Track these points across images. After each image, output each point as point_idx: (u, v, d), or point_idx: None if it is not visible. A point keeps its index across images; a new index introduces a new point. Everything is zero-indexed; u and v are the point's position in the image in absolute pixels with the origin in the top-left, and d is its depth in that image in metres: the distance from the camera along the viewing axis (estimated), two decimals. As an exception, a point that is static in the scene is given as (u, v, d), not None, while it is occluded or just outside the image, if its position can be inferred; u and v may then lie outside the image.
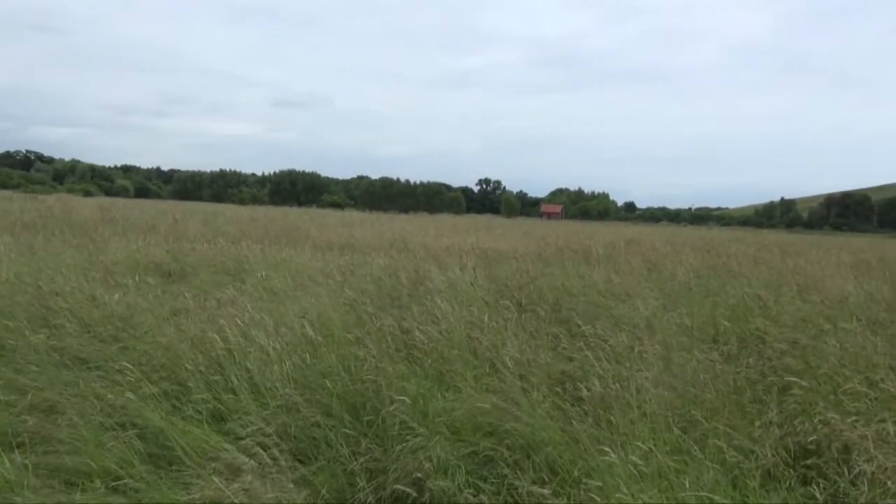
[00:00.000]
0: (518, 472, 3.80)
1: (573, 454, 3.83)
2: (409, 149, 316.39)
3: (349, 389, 4.71)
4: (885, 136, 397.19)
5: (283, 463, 3.83)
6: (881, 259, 17.29)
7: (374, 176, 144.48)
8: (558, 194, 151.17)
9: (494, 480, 3.81)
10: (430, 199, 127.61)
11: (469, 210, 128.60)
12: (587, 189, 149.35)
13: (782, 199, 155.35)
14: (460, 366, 5.09)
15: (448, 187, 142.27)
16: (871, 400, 4.56)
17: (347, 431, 4.30)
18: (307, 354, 5.12)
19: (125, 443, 4.00)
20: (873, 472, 3.41)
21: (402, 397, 4.29)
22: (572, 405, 4.51)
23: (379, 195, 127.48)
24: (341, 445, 4.17)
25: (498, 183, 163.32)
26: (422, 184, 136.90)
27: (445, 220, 47.94)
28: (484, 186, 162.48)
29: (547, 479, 3.69)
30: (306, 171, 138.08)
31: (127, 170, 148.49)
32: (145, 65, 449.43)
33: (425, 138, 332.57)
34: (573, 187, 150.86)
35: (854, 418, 4.07)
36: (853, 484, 3.46)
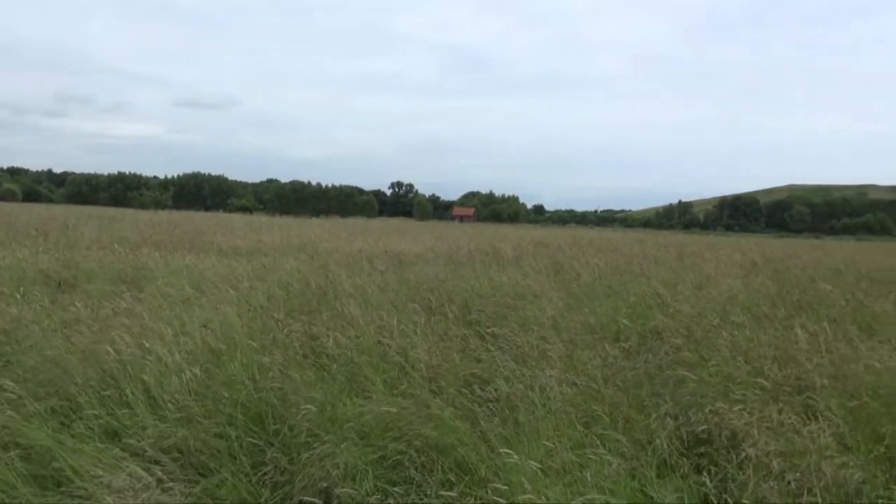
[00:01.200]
0: (427, 474, 3.82)
1: (481, 454, 3.88)
2: (320, 151, 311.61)
3: (253, 399, 4.57)
4: (772, 143, 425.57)
5: (182, 477, 3.68)
6: (767, 258, 18.51)
7: (285, 179, 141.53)
8: (470, 197, 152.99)
9: (403, 484, 3.80)
10: (343, 202, 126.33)
11: (382, 213, 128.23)
12: (498, 192, 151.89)
13: (680, 201, 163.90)
14: (370, 370, 5.05)
15: (361, 191, 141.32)
16: (756, 389, 4.86)
17: (252, 441, 4.17)
18: (209, 364, 4.93)
19: (7, 464, 3.72)
20: (757, 456, 3.63)
21: (308, 406, 4.21)
22: (481, 406, 4.56)
23: (289, 199, 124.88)
24: (245, 456, 4.05)
25: (411, 186, 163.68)
26: (334, 187, 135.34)
27: (358, 223, 47.56)
28: (397, 190, 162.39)
29: (455, 481, 3.72)
30: (213, 173, 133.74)
31: (15, 172, 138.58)
32: (39, 62, 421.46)
33: (338, 141, 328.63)
34: (485, 190, 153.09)
35: (741, 407, 4.33)
36: (740, 468, 3.67)
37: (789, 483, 3.45)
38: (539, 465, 3.52)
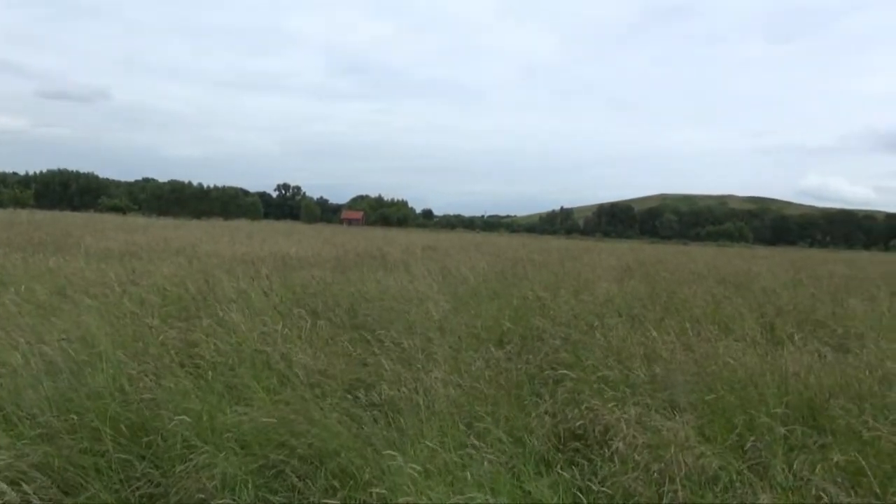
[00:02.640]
0: (310, 481, 3.77)
1: (365, 459, 3.87)
2: (202, 150, 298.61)
3: (123, 411, 4.32)
4: (645, 153, 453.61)
5: (46, 497, 3.42)
6: (640, 262, 19.65)
7: (163, 178, 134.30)
8: (359, 201, 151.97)
9: (285, 492, 3.73)
10: (226, 204, 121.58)
11: (267, 216, 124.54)
12: (387, 196, 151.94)
13: (562, 208, 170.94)
14: (251, 378, 4.91)
15: (245, 192, 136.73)
16: (627, 386, 5.17)
17: (121, 456, 3.94)
18: (71, 376, 4.61)
19: None
20: (626, 449, 3.86)
21: (183, 416, 4.03)
22: (365, 410, 4.55)
23: (168, 199, 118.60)
24: (114, 472, 3.82)
25: (298, 188, 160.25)
26: (216, 188, 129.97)
27: (242, 226, 45.93)
28: (283, 192, 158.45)
29: (339, 486, 3.69)
30: (82, 171, 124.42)
31: None
32: None
33: (220, 140, 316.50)
34: (374, 194, 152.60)
35: (613, 403, 4.58)
36: (610, 461, 3.89)
37: (654, 473, 3.69)
38: (422, 467, 3.56)
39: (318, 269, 12.06)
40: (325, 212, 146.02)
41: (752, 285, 12.94)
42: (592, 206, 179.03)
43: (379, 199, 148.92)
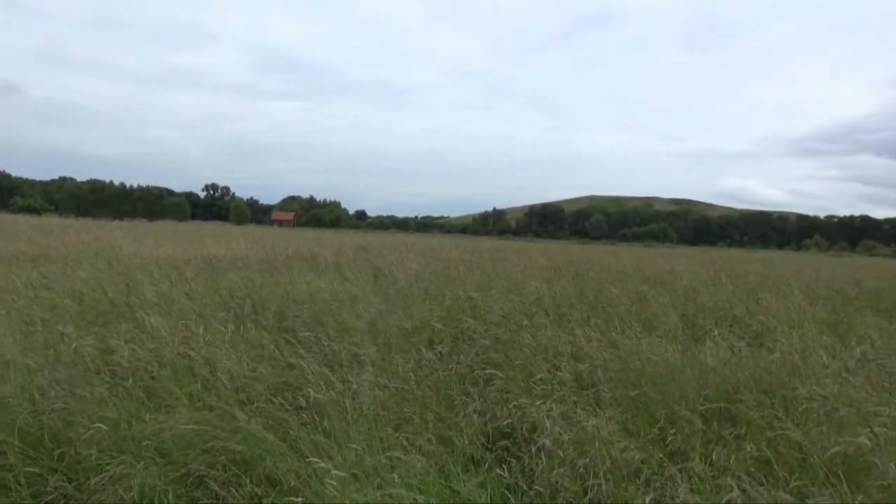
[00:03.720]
0: (234, 488, 3.67)
1: (291, 464, 3.80)
2: (123, 149, 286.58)
3: (33, 422, 4.10)
4: (574, 156, 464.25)
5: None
6: (569, 262, 20.08)
7: (81, 178, 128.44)
8: (290, 202, 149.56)
9: (207, 502, 3.62)
10: (150, 204, 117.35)
11: (195, 217, 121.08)
12: (319, 197, 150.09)
13: (494, 209, 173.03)
14: (172, 384, 4.74)
15: (170, 192, 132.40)
16: (555, 384, 5.25)
17: (30, 470, 3.74)
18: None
19: None
20: (552, 446, 3.93)
21: (99, 424, 3.86)
22: (291, 414, 4.46)
23: (87, 199, 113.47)
24: (23, 486, 3.62)
25: (226, 189, 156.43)
26: (140, 188, 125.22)
27: (167, 227, 44.45)
28: (211, 192, 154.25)
29: (263, 494, 3.61)
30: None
31: None
32: None
33: (143, 138, 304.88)
34: (305, 195, 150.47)
35: (541, 401, 4.66)
36: (538, 457, 3.94)
37: (579, 468, 3.77)
38: (349, 471, 3.53)
39: (246, 271, 11.78)
40: (256, 213, 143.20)
41: (674, 284, 13.41)
42: (524, 208, 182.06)
43: (311, 200, 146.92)
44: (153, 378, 4.84)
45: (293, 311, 7.75)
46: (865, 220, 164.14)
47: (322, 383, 4.72)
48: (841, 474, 3.68)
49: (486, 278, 12.78)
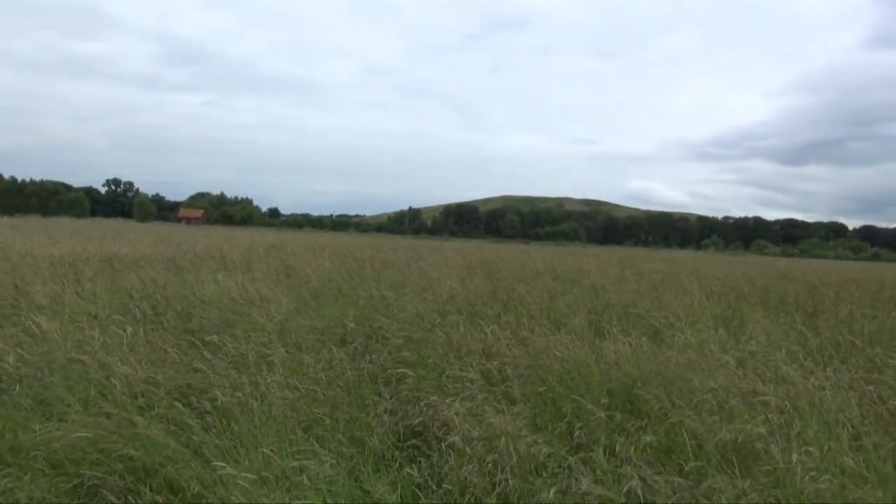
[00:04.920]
0: (133, 497, 3.51)
1: (195, 470, 3.67)
2: (13, 141, 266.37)
3: None
4: (489, 156, 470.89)
5: None
6: (483, 261, 20.37)
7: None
8: (199, 198, 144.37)
9: (103, 512, 3.44)
10: (45, 200, 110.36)
11: (95, 213, 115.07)
12: (230, 194, 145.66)
13: (410, 208, 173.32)
14: (64, 391, 4.47)
15: (68, 187, 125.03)
16: (466, 381, 5.31)
17: None
18: None
19: None
20: (462, 443, 3.97)
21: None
22: (196, 419, 4.31)
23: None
24: None
25: (130, 185, 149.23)
26: (33, 182, 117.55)
27: (64, 224, 41.94)
28: (113, 188, 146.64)
29: (164, 502, 3.47)
30: None
31: None
32: None
33: (36, 130, 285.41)
34: (216, 191, 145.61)
35: (452, 399, 4.70)
36: (448, 455, 3.98)
37: (488, 464, 3.83)
38: (256, 475, 3.44)
39: (149, 271, 11.28)
40: (162, 210, 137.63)
41: (583, 282, 13.84)
42: (440, 207, 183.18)
43: (221, 197, 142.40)
44: (43, 384, 4.55)
45: (200, 311, 7.48)
46: (758, 221, 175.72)
47: (229, 386, 4.58)
48: (734, 460, 3.91)
49: (401, 277, 12.78)
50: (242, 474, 3.35)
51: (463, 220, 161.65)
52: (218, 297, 8.47)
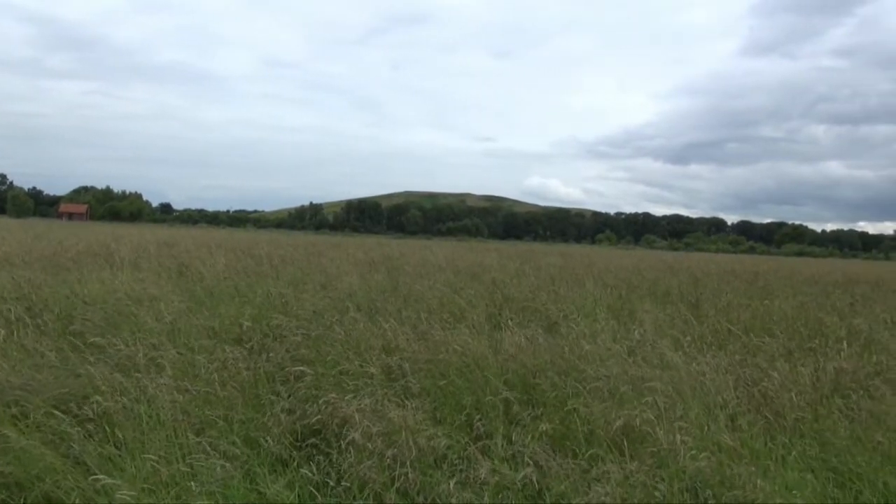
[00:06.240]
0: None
1: (75, 481, 3.45)
2: None
3: None
4: (390, 152, 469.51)
5: None
6: (385, 256, 20.32)
7: None
8: (82, 193, 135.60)
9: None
10: None
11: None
12: (117, 188, 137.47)
13: (311, 203, 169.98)
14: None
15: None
16: (366, 378, 5.29)
17: None
18: None
19: None
20: (361, 439, 3.95)
21: None
22: (77, 426, 4.05)
23: None
24: None
25: (3, 177, 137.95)
26: None
27: (-77, 220, 38.19)
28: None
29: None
30: None
31: None
32: None
33: None
34: (101, 185, 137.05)
35: (351, 395, 4.66)
36: (347, 452, 3.94)
37: (387, 459, 3.83)
38: (143, 482, 3.28)
39: (24, 270, 10.48)
40: (40, 205, 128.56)
41: (483, 276, 14.09)
42: (341, 202, 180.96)
43: (107, 192, 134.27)
44: None
45: (82, 312, 7.03)
46: (647, 216, 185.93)
47: (113, 390, 4.33)
48: (624, 443, 4.11)
49: (301, 274, 12.53)
50: (126, 484, 3.18)
51: (365, 215, 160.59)
52: (103, 297, 7.99)
